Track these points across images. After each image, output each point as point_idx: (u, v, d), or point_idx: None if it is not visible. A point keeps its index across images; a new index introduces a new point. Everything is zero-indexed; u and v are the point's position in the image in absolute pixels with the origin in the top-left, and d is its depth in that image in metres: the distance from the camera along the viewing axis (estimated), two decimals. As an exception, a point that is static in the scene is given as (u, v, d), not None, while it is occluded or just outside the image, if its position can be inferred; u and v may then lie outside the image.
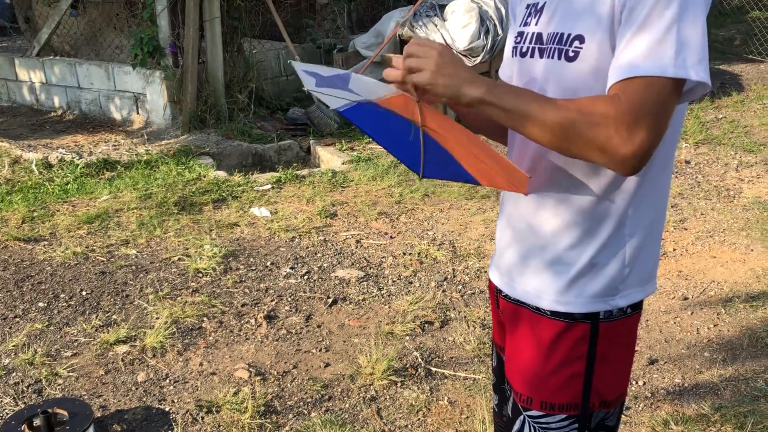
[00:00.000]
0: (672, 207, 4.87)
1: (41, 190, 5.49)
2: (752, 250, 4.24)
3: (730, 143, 6.12)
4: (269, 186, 5.51)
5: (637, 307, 1.56)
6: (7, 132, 7.29)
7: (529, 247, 1.56)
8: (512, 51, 1.59)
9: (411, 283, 4.03)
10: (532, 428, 1.58)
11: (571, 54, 1.40)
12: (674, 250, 4.30)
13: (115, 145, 6.73)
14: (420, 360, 3.31)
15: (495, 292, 1.71)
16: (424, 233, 4.66)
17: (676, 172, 5.48)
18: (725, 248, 4.29)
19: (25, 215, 4.98)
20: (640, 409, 2.97)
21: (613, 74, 1.30)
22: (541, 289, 1.54)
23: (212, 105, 7.12)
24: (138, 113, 7.39)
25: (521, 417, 1.59)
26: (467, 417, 2.95)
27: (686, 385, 3.11)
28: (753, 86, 7.85)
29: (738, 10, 11.19)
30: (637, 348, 3.35)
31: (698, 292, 3.83)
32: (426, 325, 3.59)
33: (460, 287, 3.96)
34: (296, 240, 4.60)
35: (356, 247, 4.49)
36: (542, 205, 1.51)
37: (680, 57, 1.25)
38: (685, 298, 3.77)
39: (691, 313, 3.64)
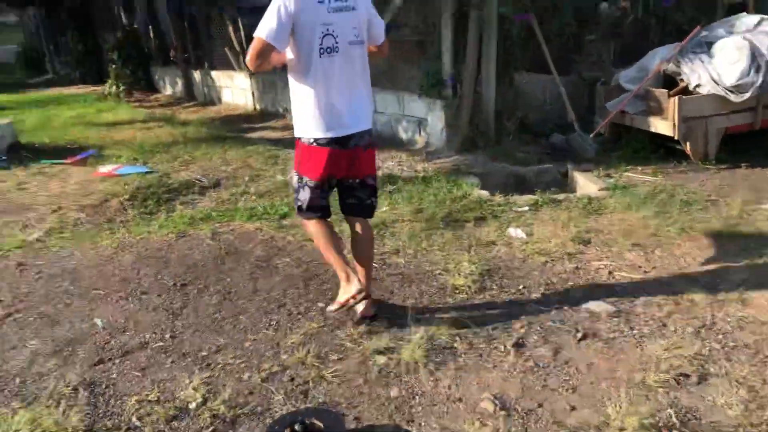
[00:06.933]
0: None
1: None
2: None
3: None
4: (527, 208, 4.87)
5: None
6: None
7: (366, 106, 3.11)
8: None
9: (665, 325, 3.18)
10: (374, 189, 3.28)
11: None
12: None
13: (399, 162, 6.48)
14: (674, 420, 2.50)
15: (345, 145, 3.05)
16: (681, 270, 3.75)
17: None
18: None
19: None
20: None
21: None
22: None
23: (483, 130, 6.61)
24: (420, 135, 7.09)
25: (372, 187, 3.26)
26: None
27: None
28: None
29: None
30: None
31: None
32: (682, 378, 2.76)
33: (720, 337, 3.06)
34: (549, 264, 3.92)
35: (608, 278, 3.71)
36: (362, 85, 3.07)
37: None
38: None
39: None
